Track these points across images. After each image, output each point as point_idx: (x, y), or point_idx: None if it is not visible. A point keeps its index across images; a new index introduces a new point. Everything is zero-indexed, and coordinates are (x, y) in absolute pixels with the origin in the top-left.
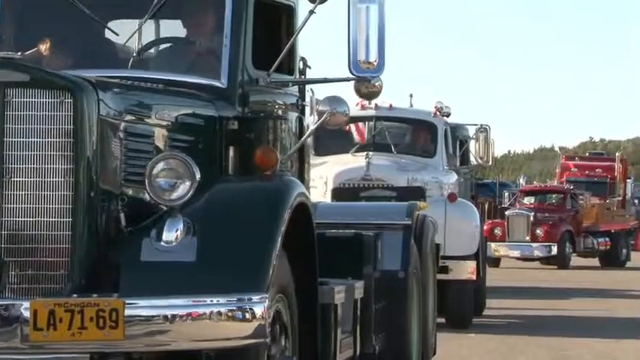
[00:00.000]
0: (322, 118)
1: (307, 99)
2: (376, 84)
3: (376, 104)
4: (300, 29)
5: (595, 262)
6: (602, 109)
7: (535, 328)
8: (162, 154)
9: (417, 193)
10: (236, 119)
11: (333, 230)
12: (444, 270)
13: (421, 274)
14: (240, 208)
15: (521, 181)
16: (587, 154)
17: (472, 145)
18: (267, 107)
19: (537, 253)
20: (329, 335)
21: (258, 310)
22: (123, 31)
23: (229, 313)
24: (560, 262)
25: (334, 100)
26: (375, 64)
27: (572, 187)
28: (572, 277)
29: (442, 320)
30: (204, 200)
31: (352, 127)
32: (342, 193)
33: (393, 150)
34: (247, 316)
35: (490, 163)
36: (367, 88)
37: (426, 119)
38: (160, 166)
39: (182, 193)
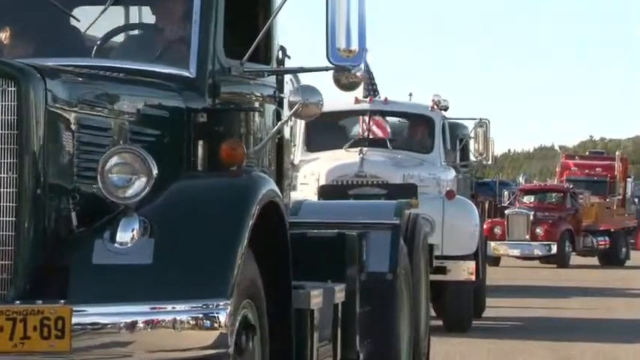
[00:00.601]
0: (294, 110)
1: (287, 90)
2: (357, 74)
3: (371, 97)
4: (276, 14)
5: (595, 261)
6: (602, 108)
7: (535, 329)
8: (116, 147)
9: (408, 190)
10: (205, 111)
11: (315, 230)
12: (442, 270)
13: (412, 276)
14: (201, 207)
15: (521, 179)
16: (587, 153)
17: (471, 142)
18: (240, 99)
19: (537, 252)
20: (304, 343)
21: (220, 318)
22: (90, 19)
23: (188, 321)
24: (559, 261)
25: (307, 90)
26: (356, 52)
27: (571, 186)
28: (571, 276)
29: (440, 323)
30: (162, 198)
31: (362, 120)
32: (329, 191)
33: (389, 145)
34: (208, 324)
35: (490, 161)
36: (347, 78)
37: (423, 113)
38: (113, 160)
39: (137, 190)
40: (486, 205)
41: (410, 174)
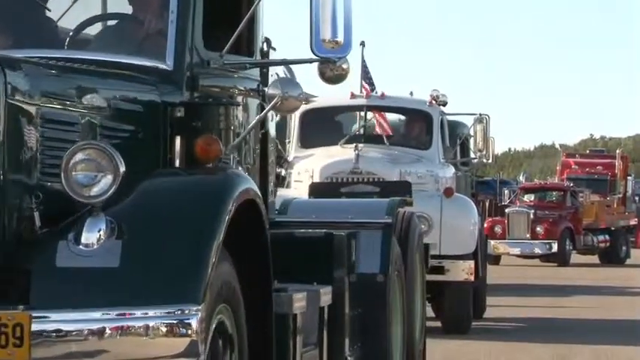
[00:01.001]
0: (272, 104)
1: None
2: (343, 66)
3: (367, 92)
4: (258, 2)
5: (595, 259)
6: (602, 107)
7: (536, 331)
8: (80, 143)
9: (403, 188)
10: (183, 105)
11: (303, 230)
12: (440, 270)
13: (406, 277)
14: (172, 206)
15: (521, 178)
16: (587, 152)
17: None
18: (221, 92)
19: (537, 251)
20: (286, 348)
21: (191, 324)
22: (65, 9)
23: (157, 328)
24: (560, 259)
25: (286, 83)
26: (341, 43)
27: (571, 185)
28: (572, 275)
29: (439, 324)
30: (131, 197)
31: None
32: (320, 189)
33: (386, 141)
34: (178, 330)
35: (490, 160)
36: (332, 70)
37: (421, 108)
38: (78, 157)
39: (103, 188)
40: (487, 204)
41: (407, 171)
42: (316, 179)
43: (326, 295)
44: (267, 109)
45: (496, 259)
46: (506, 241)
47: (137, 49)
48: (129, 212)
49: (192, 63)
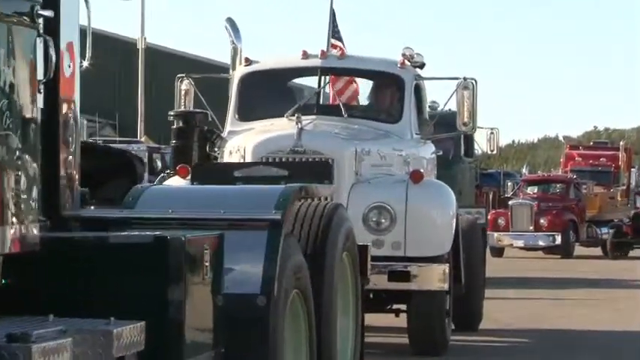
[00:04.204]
0: None
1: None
2: None
3: (323, 51)
4: None
5: (598, 251)
6: (606, 98)
7: (534, 351)
8: None
9: (319, 170)
10: None
11: (123, 233)
12: (405, 277)
13: (320, 295)
14: None
15: (524, 170)
16: (591, 144)
17: (455, 107)
18: None
19: (541, 243)
20: None
21: None
22: None
23: None
24: (563, 251)
25: None
26: None
27: (575, 177)
28: (575, 267)
29: (405, 342)
30: None
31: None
32: (206, 171)
33: (344, 113)
34: None
35: (474, 128)
36: None
37: (390, 71)
38: None
39: None
40: (490, 196)
41: (365, 149)
42: (248, 159)
43: (130, 338)
44: None
45: (499, 252)
46: (510, 233)
47: None
48: None
49: None
